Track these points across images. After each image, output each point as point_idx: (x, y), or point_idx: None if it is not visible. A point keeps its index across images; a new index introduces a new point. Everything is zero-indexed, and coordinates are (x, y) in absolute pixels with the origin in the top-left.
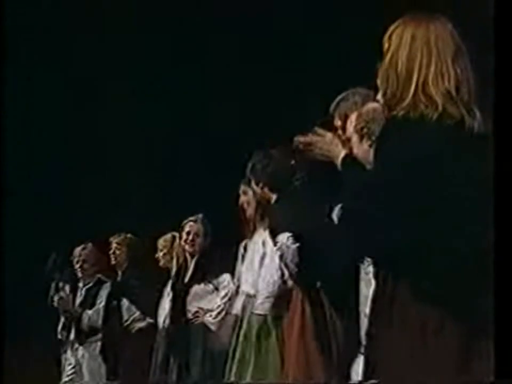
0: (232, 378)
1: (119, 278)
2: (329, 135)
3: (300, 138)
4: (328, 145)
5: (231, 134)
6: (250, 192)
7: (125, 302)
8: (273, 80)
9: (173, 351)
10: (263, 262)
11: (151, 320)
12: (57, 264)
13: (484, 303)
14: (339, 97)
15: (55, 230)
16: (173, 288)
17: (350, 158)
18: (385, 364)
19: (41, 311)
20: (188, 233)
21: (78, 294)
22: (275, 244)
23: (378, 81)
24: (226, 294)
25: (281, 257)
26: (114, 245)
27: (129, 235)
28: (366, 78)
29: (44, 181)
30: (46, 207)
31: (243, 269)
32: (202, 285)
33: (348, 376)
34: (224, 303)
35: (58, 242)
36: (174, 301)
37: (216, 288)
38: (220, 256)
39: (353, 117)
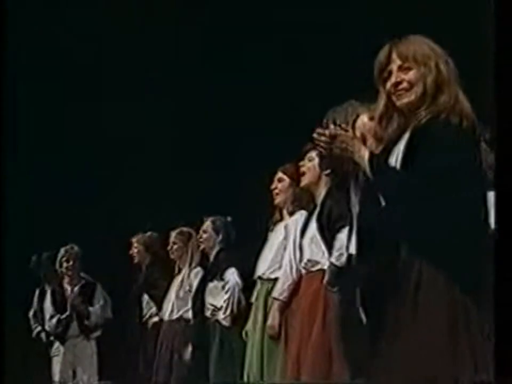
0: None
1: (141, 274)
2: (350, 131)
3: (325, 131)
4: (351, 140)
5: (250, 132)
6: (287, 181)
7: (145, 298)
8: (289, 78)
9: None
10: (281, 246)
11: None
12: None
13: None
14: (333, 108)
15: (56, 229)
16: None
17: (376, 156)
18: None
19: None
20: (205, 231)
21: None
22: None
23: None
24: (229, 289)
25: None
26: (135, 244)
27: (149, 233)
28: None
29: (47, 181)
30: (48, 206)
31: (262, 253)
32: (215, 282)
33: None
34: (228, 298)
35: (60, 240)
36: (194, 297)
37: (224, 285)
38: (234, 253)
39: None
